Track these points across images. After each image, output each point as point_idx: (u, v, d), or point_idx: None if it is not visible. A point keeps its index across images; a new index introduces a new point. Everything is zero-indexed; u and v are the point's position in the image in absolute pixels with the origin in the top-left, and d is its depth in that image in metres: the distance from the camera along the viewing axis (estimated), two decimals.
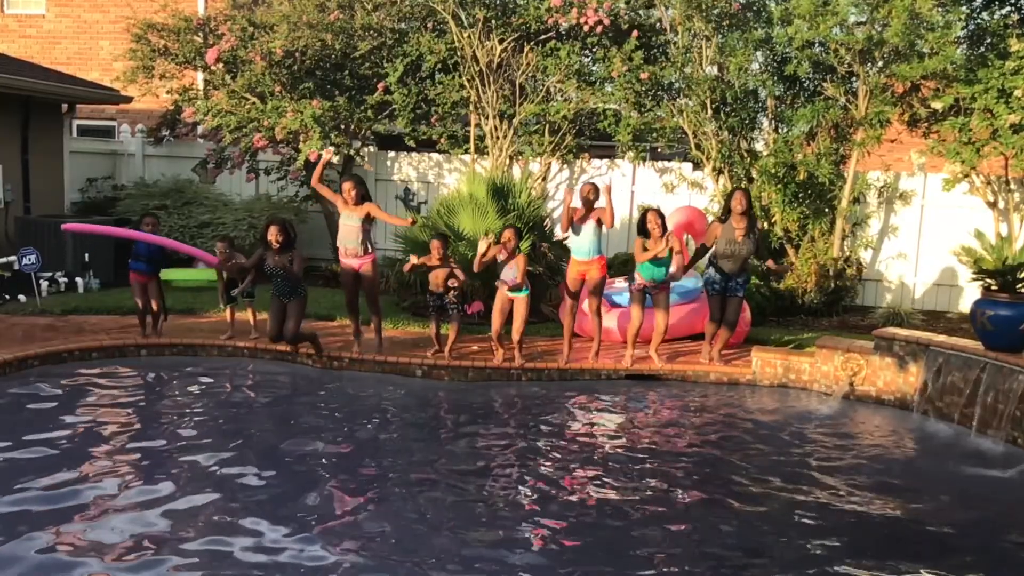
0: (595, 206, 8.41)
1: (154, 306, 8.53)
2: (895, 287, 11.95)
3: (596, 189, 8.41)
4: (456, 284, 8.39)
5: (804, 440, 6.85)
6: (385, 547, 4.70)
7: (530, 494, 5.57)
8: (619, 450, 6.48)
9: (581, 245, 8.39)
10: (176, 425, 6.61)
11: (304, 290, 7.99)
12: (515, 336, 8.15)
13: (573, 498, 5.52)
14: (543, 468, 6.10)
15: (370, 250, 8.32)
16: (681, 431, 7.04)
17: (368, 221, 8.21)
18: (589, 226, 8.37)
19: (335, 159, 12.79)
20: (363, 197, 8.22)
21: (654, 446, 6.64)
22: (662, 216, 8.30)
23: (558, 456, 6.37)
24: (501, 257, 8.15)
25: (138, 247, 8.45)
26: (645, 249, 8.19)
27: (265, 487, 5.43)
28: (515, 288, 8.10)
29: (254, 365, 8.27)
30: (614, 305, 9.38)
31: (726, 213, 8.38)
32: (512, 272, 8.05)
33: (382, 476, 5.77)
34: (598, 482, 5.81)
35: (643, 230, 8.28)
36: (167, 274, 10.78)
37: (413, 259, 8.36)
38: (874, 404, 7.78)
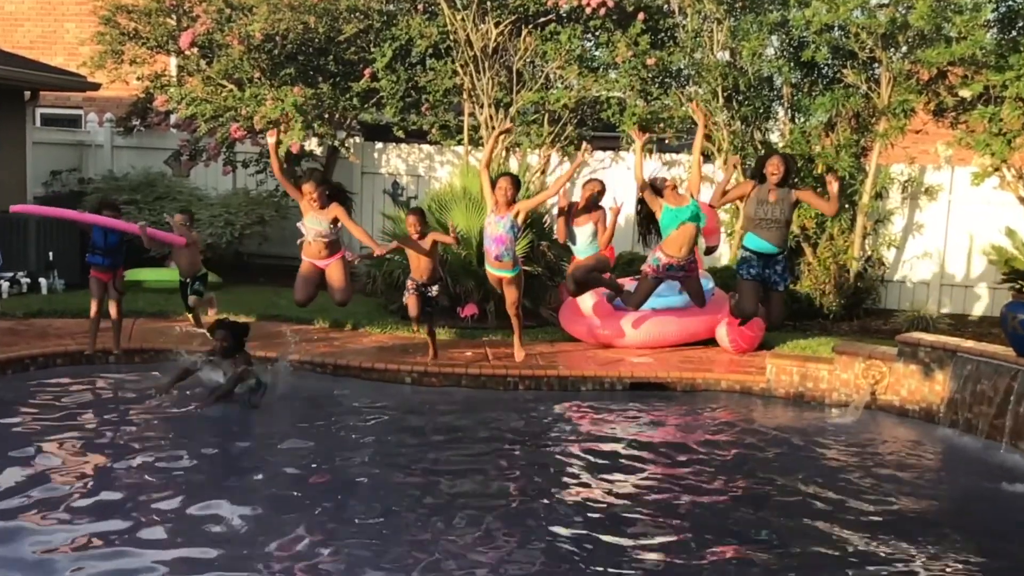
0: (599, 204, 8.26)
1: (112, 312, 8.25)
2: (920, 289, 11.94)
3: (603, 188, 8.25)
4: (441, 287, 8.24)
5: (823, 455, 6.84)
6: (374, 564, 4.68)
7: (528, 506, 5.56)
8: (624, 463, 6.47)
9: (581, 248, 8.28)
10: (146, 437, 6.58)
11: (264, 386, 7.44)
12: (510, 310, 7.92)
13: (573, 512, 5.50)
14: (542, 479, 6.10)
15: (339, 248, 7.87)
16: (690, 443, 7.02)
17: (336, 223, 7.76)
18: (587, 230, 8.23)
19: (318, 150, 12.80)
20: (329, 197, 7.66)
21: (660, 457, 6.62)
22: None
23: (558, 467, 6.37)
24: (492, 208, 7.69)
25: (95, 238, 8.29)
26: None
27: (241, 504, 5.41)
28: (503, 262, 7.69)
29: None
30: (618, 308, 9.36)
31: (759, 179, 7.81)
32: (505, 223, 7.55)
33: (368, 490, 5.76)
34: (601, 496, 5.80)
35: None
36: (137, 274, 10.79)
37: (388, 246, 8.06)
38: (897, 415, 7.77)
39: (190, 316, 9.02)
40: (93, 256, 8.33)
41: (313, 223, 7.66)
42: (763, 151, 11.36)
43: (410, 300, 8.07)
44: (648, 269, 7.94)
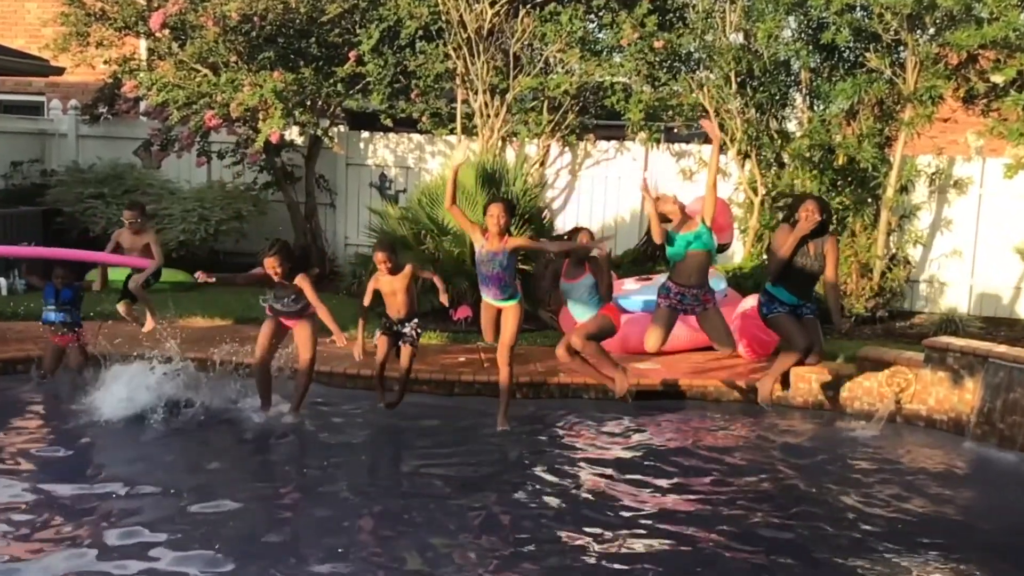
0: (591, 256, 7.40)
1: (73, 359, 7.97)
2: (949, 289, 11.94)
3: (592, 237, 7.46)
4: (416, 321, 7.56)
5: (844, 469, 6.84)
6: None
7: (531, 523, 5.57)
8: (631, 476, 6.47)
9: (578, 308, 7.37)
10: (110, 451, 6.58)
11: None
12: (501, 355, 7.18)
13: (579, 527, 5.51)
14: (543, 492, 6.12)
15: (306, 311, 7.46)
16: (700, 456, 7.02)
17: (303, 296, 7.39)
18: (586, 283, 7.30)
19: (299, 139, 12.79)
20: (293, 270, 7.27)
21: (669, 470, 6.63)
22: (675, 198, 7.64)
23: (560, 481, 6.39)
24: (482, 244, 7.06)
25: (46, 293, 8.00)
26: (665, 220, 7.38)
27: (218, 521, 5.40)
28: (501, 293, 7.13)
29: (202, 378, 8.13)
30: (622, 310, 9.35)
31: (791, 220, 7.50)
32: (501, 260, 6.97)
33: (351, 510, 5.75)
34: (607, 510, 5.80)
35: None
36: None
37: (359, 334, 7.46)
38: (924, 425, 7.77)
39: (122, 305, 8.52)
40: (46, 314, 8.05)
41: (277, 296, 7.43)
42: (778, 140, 11.37)
43: (380, 342, 7.52)
44: (660, 300, 7.63)
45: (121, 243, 8.41)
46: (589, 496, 6.15)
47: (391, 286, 7.42)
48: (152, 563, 4.85)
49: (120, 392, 7.21)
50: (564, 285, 7.35)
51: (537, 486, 6.33)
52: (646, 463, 6.79)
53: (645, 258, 7.78)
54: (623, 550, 5.30)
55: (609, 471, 6.57)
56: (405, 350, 7.53)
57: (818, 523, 5.80)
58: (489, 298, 7.25)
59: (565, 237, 7.88)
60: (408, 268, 7.44)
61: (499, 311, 7.25)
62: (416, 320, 7.56)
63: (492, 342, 7.45)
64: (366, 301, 7.55)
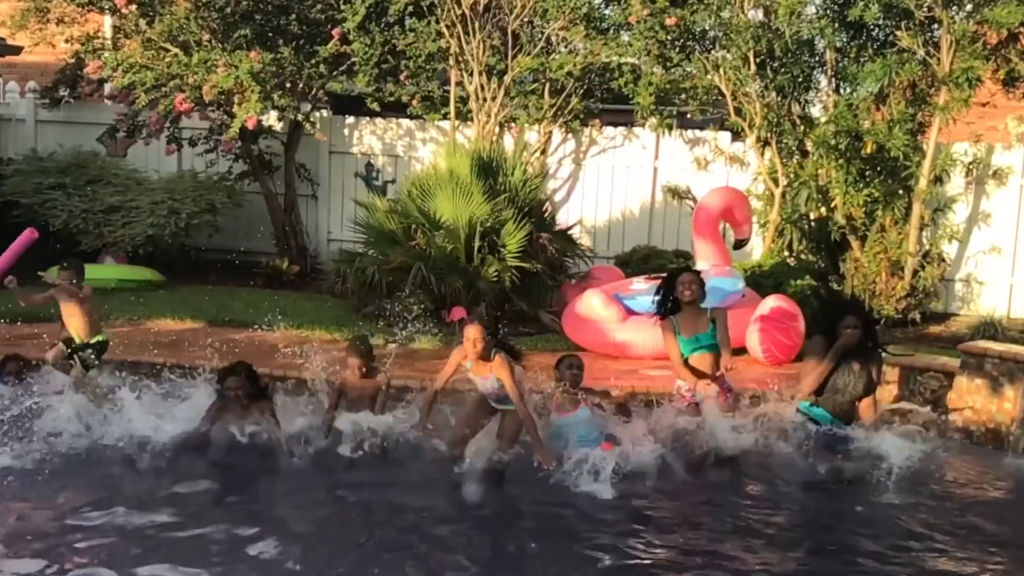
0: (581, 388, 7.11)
1: None
2: (987, 289, 11.93)
3: (581, 366, 7.18)
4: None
5: (876, 484, 6.80)
6: None
7: (529, 545, 5.58)
8: (640, 490, 6.45)
9: (574, 443, 6.88)
10: (76, 470, 6.55)
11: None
12: (503, 448, 6.76)
13: (586, 550, 5.49)
14: (547, 510, 6.12)
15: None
16: (721, 467, 7.01)
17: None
18: (582, 416, 6.95)
19: (277, 125, 12.75)
20: (252, 396, 7.07)
21: (683, 482, 6.64)
22: (699, 279, 7.28)
23: (560, 497, 6.34)
24: (469, 365, 6.76)
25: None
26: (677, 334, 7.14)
27: (198, 545, 5.39)
28: (500, 402, 6.83)
29: (163, 385, 8.05)
30: (629, 312, 9.36)
31: (831, 335, 7.03)
32: (491, 383, 6.72)
33: (345, 524, 5.74)
34: (611, 529, 5.80)
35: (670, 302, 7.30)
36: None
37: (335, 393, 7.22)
38: (960, 437, 7.74)
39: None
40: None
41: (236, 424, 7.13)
42: (801, 126, 11.35)
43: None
44: (679, 399, 7.37)
45: (56, 298, 7.79)
46: (596, 509, 6.14)
47: (360, 391, 7.32)
48: None
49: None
50: (558, 420, 6.95)
51: (544, 496, 6.32)
52: (660, 474, 6.76)
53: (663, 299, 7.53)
54: (640, 568, 5.31)
55: (616, 480, 6.54)
56: None
57: (848, 540, 5.81)
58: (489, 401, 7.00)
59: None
60: (382, 377, 7.35)
61: (499, 412, 6.93)
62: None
63: (457, 439, 6.88)
64: (333, 406, 7.28)
